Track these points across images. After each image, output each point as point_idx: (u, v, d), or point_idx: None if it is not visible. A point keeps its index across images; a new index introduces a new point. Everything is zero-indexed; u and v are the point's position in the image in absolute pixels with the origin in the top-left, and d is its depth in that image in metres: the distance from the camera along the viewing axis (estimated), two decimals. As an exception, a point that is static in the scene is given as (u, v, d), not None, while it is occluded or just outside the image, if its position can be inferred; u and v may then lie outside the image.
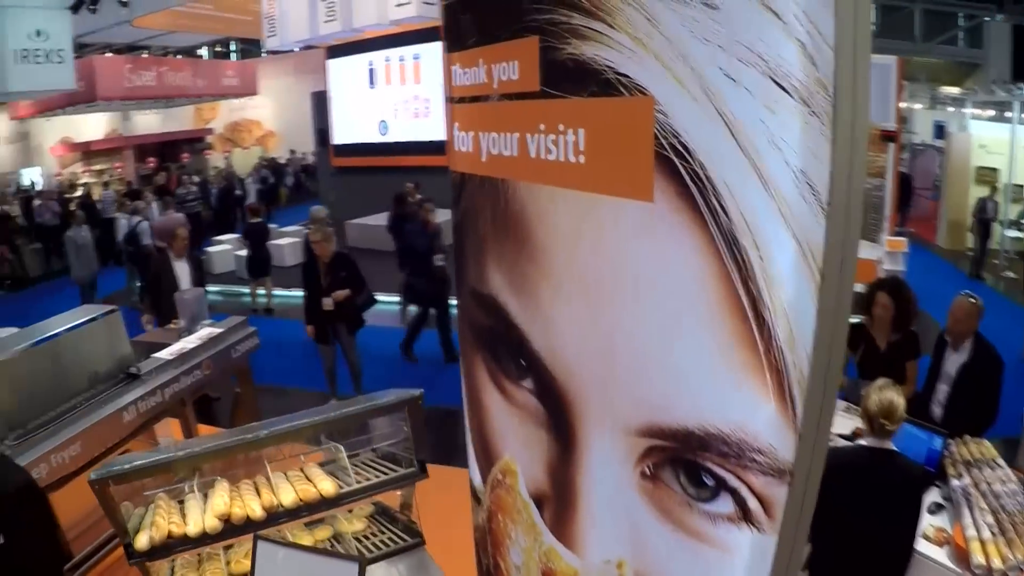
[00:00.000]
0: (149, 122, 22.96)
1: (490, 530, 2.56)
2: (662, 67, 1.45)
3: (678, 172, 1.46)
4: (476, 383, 2.52)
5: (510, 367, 2.23)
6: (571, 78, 1.71)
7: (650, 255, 1.58)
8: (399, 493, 3.58)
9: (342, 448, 3.41)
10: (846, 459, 3.06)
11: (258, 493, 3.14)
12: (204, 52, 23.73)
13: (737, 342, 1.41)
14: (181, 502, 3.16)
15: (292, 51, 18.25)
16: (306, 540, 3.26)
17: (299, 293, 7.82)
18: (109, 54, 19.84)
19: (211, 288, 9.56)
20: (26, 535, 2.78)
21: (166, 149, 22.43)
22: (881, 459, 3.00)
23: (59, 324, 4.80)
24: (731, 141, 1.34)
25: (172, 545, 2.91)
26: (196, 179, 17.76)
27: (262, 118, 23.40)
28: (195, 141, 23.04)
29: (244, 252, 11.27)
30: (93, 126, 21.98)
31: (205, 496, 3.14)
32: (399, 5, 11.14)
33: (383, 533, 3.51)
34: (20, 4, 10.42)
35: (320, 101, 16.22)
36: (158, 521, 2.91)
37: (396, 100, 14.76)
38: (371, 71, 15.06)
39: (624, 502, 1.75)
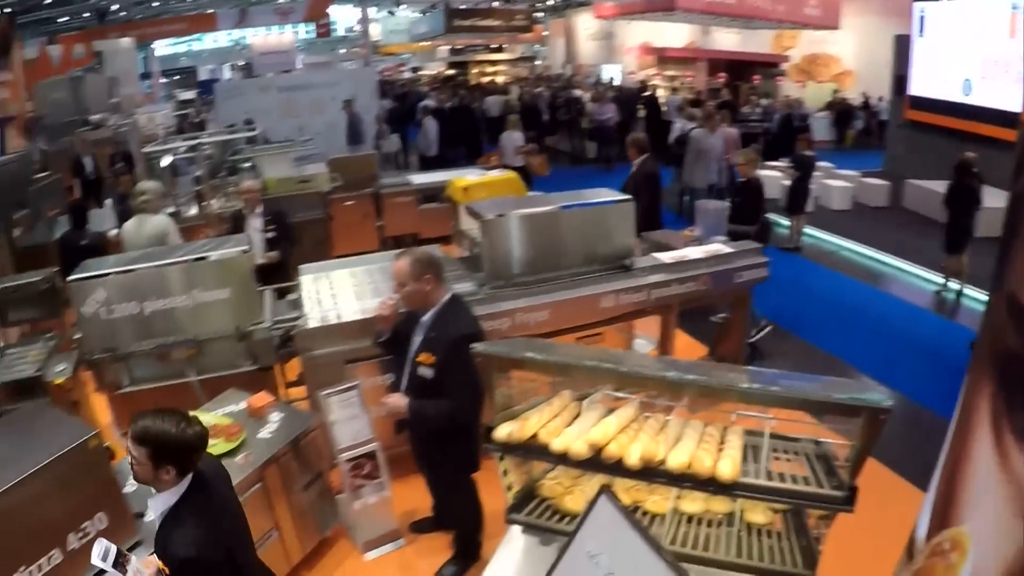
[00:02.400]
0: (726, 40, 23.56)
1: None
2: None
3: None
4: (970, 418, 2.11)
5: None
6: None
7: None
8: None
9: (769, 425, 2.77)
10: None
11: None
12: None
13: None
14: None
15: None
16: (690, 504, 2.84)
17: (835, 239, 7.19)
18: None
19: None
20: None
21: (738, 68, 22.77)
22: None
23: (584, 198, 5.21)
24: None
25: (529, 449, 2.82)
26: (764, 102, 18.00)
27: (841, 55, 22.06)
28: (769, 66, 22.98)
29: (788, 183, 10.85)
30: (672, 35, 23.89)
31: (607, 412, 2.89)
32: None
33: (779, 542, 2.73)
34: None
35: (902, 46, 14.64)
36: (531, 421, 2.86)
37: (987, 58, 12.07)
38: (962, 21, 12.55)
39: None
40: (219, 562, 2.55)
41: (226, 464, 3.85)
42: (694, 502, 2.82)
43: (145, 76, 32.81)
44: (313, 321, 4.78)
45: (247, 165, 10.43)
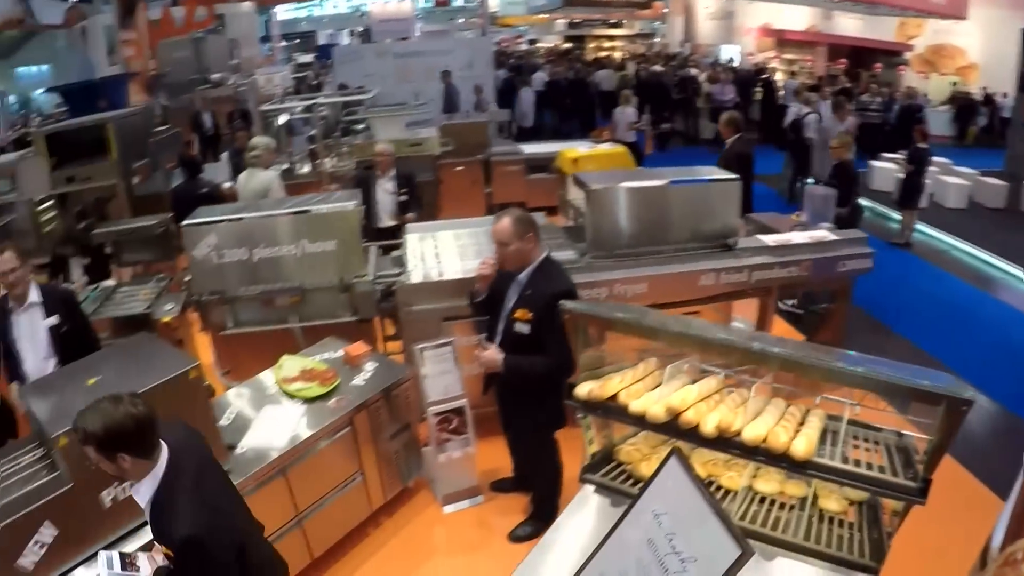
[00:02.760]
0: (849, 25, 22.72)
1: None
2: None
3: None
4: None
5: None
6: None
7: None
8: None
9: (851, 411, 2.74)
10: None
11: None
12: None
13: None
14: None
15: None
16: (765, 484, 2.81)
17: (947, 238, 6.94)
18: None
19: (864, 203, 9.12)
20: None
21: (859, 54, 21.90)
22: None
23: (692, 175, 5.28)
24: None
25: (608, 409, 2.88)
26: (885, 90, 17.24)
27: (966, 47, 20.72)
28: (891, 54, 21.91)
29: (901, 176, 10.40)
30: (793, 17, 23.19)
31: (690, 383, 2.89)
32: None
33: (849, 532, 2.67)
34: None
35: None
36: (613, 381, 2.91)
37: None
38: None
39: None
40: (220, 530, 2.50)
41: (318, 407, 4.09)
42: (769, 482, 2.80)
43: (265, 39, 33.97)
44: (415, 278, 4.94)
45: (361, 127, 10.77)
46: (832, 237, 5.38)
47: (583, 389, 2.89)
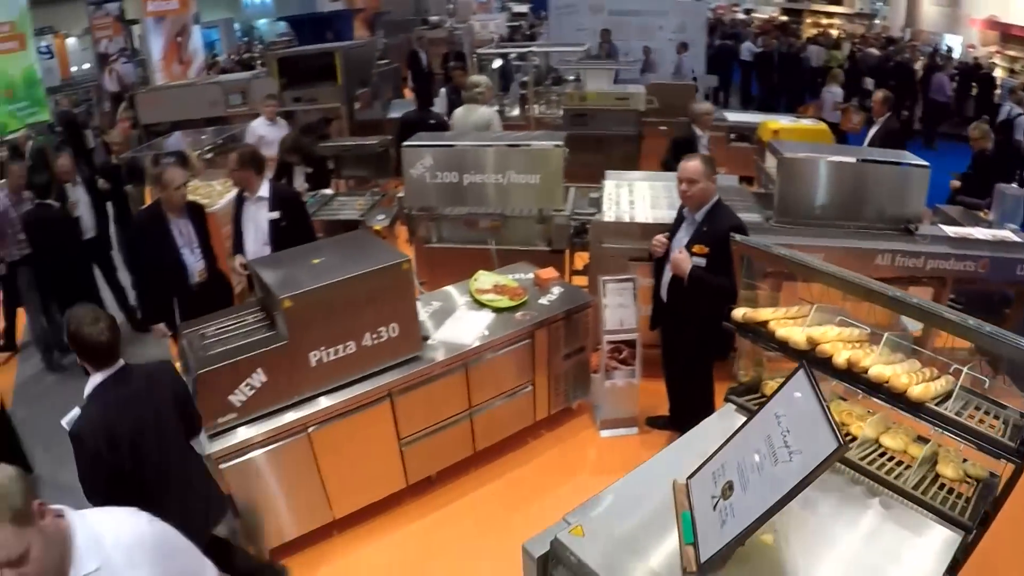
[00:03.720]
0: None
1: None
2: None
3: None
4: None
5: None
6: None
7: None
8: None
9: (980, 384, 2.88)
10: None
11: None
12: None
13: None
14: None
15: None
16: (891, 439, 2.98)
17: None
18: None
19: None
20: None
21: None
22: None
23: (884, 156, 5.49)
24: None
25: (757, 332, 3.20)
26: None
27: None
28: None
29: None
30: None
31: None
32: None
33: (957, 498, 2.74)
34: None
35: None
36: (766, 311, 3.25)
37: None
38: None
39: None
40: (100, 450, 2.91)
41: (504, 318, 4.65)
42: (895, 438, 2.96)
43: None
44: (608, 217, 5.37)
45: (572, 78, 11.30)
46: (1015, 239, 5.27)
47: (738, 312, 3.23)
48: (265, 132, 8.29)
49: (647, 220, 5.26)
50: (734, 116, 10.49)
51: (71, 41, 30.72)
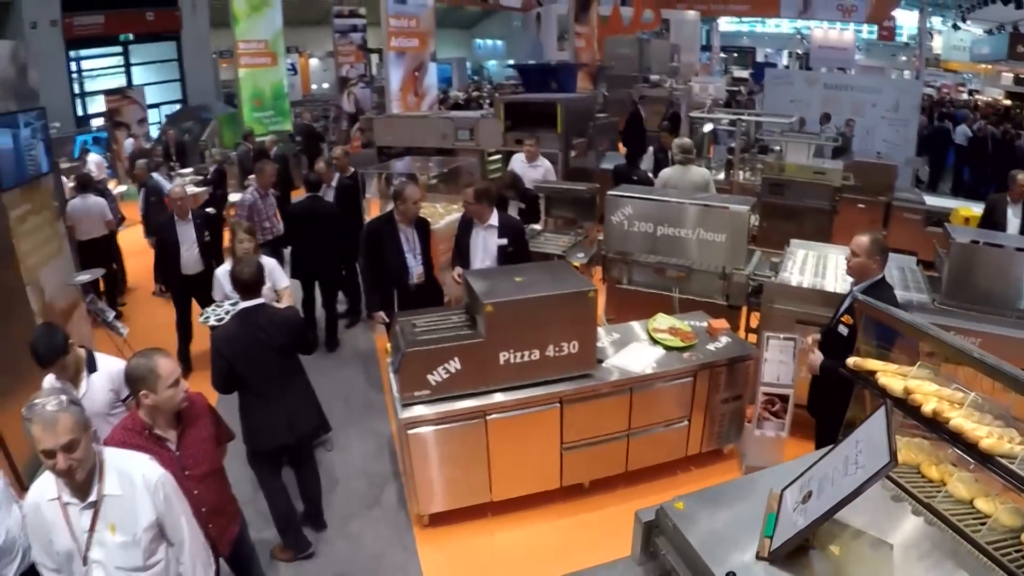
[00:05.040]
0: None
1: None
2: None
3: None
4: None
5: None
6: None
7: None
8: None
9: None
10: None
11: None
12: None
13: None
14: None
15: None
16: (984, 504, 3.17)
17: None
18: None
19: None
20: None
21: None
22: None
23: None
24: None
25: (863, 378, 3.43)
26: None
27: None
28: None
29: None
30: None
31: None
32: None
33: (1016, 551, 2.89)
34: None
35: None
36: (875, 362, 3.46)
37: None
38: None
39: None
40: (222, 352, 4.36)
41: (673, 356, 5.27)
42: (988, 503, 3.07)
43: (705, 48, 35.80)
44: (781, 280, 5.86)
45: (777, 148, 11.75)
46: None
47: (852, 359, 3.54)
48: (521, 171, 9.23)
49: (817, 286, 5.68)
50: (933, 200, 10.47)
51: (314, 62, 34.45)
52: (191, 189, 12.78)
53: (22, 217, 6.54)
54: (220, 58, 27.22)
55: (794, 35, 39.62)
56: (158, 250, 7.72)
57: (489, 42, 46.38)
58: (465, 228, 6.24)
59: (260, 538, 4.67)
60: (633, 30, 27.94)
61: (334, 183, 8.66)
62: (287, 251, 8.62)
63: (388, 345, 5.28)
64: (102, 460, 2.85)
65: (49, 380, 3.90)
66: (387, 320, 5.90)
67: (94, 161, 14.88)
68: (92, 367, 4.05)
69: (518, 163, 9.52)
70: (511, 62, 37.12)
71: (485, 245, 6.11)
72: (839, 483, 2.58)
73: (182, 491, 3.10)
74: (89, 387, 3.98)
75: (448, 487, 4.95)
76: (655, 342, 5.44)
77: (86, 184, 9.26)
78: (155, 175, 10.58)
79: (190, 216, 7.40)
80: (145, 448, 3.14)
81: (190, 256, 7.36)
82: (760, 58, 40.47)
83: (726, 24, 40.16)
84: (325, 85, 32.35)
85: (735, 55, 41.79)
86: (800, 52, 37.55)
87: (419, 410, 4.72)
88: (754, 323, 6.47)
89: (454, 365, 4.70)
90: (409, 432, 4.70)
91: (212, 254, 7.61)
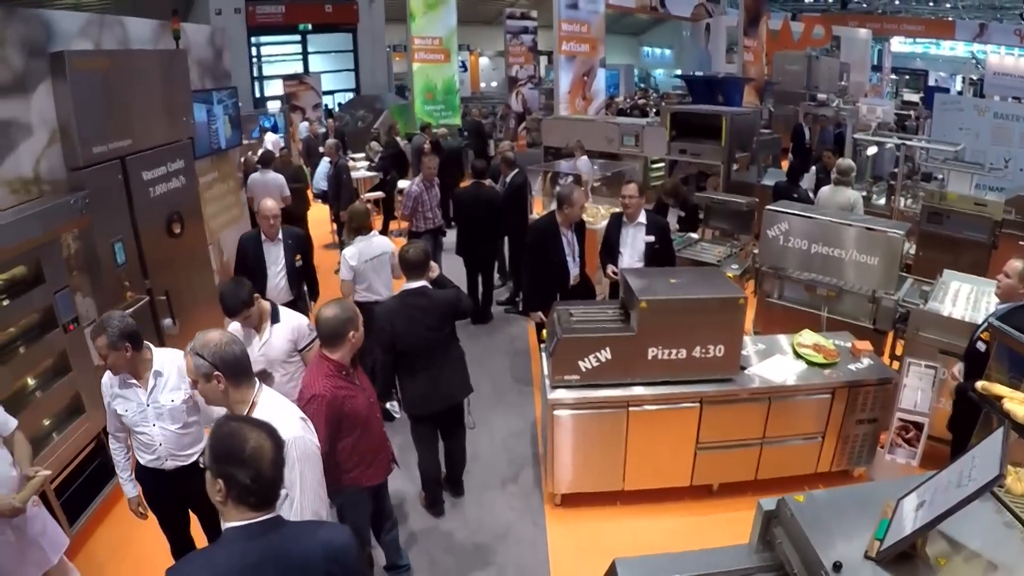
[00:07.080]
0: None
1: None
2: None
3: None
4: None
5: None
6: None
7: None
8: None
9: None
10: None
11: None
12: None
13: None
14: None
15: None
16: None
17: None
18: None
19: None
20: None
21: None
22: None
23: None
24: None
25: (992, 405, 3.54)
26: None
27: None
28: None
29: None
30: None
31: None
32: None
33: None
34: None
35: None
36: (1000, 387, 3.58)
37: None
38: None
39: None
40: (384, 327, 4.81)
41: (814, 371, 5.44)
42: None
43: (876, 68, 34.39)
44: (930, 308, 5.89)
45: (939, 176, 11.45)
46: None
47: (980, 383, 3.65)
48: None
49: (963, 318, 5.64)
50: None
51: (483, 60, 35.52)
52: (363, 173, 13.77)
53: (209, 184, 7.49)
54: (393, 51, 28.65)
55: (969, 59, 37.55)
56: (238, 271, 6.42)
57: (657, 50, 46.40)
58: (615, 225, 6.64)
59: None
60: (803, 46, 27.39)
61: (509, 178, 9.34)
62: (445, 239, 9.52)
63: (544, 332, 5.68)
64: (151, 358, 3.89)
65: (235, 326, 4.56)
66: (543, 320, 6.18)
67: (271, 140, 16.19)
68: (275, 318, 4.67)
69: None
70: (678, 71, 36.98)
71: (634, 243, 6.52)
72: (950, 494, 2.74)
73: (372, 419, 3.85)
74: (271, 335, 4.61)
75: (584, 470, 5.37)
76: (798, 356, 5.63)
77: (268, 161, 10.38)
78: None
79: (279, 235, 6.38)
80: (347, 387, 3.71)
81: (277, 284, 6.36)
82: (932, 82, 38.48)
83: (899, 44, 38.58)
84: (493, 83, 33.46)
85: (907, 77, 39.86)
86: (974, 78, 35.49)
87: (567, 393, 5.17)
88: (899, 350, 6.50)
89: (605, 355, 5.10)
90: (555, 412, 5.15)
91: (302, 282, 6.64)
